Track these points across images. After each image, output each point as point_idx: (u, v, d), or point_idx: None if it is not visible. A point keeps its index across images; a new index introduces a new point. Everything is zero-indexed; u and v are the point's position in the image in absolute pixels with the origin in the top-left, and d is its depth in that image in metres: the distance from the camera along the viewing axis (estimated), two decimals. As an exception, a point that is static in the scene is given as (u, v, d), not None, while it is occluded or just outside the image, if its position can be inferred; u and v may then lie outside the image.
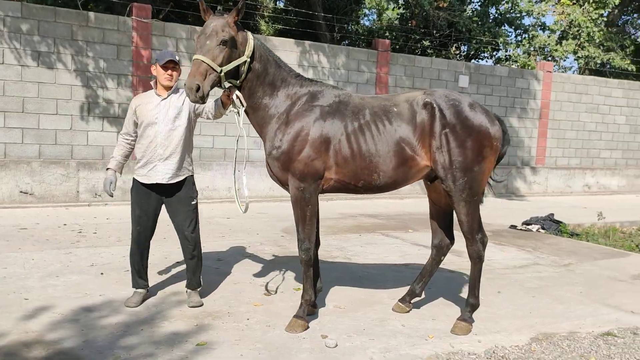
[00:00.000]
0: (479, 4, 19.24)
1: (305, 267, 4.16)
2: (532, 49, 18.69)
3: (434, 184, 4.40)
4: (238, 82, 3.99)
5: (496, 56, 19.62)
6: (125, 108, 9.92)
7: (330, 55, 11.79)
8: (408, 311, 4.60)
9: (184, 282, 4.78)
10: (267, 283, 5.29)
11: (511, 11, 18.71)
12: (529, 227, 9.25)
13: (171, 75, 4.38)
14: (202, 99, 3.79)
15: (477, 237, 4.21)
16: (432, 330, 4.26)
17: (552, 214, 9.93)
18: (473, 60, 19.25)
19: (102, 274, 5.40)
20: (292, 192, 4.08)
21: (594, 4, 18.76)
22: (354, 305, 4.77)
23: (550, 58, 19.27)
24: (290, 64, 11.29)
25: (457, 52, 19.57)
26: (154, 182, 4.44)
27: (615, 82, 16.46)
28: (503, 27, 18.88)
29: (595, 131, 15.95)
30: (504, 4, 18.77)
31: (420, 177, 4.25)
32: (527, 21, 19.33)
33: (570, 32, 18.76)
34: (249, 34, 4.00)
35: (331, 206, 10.53)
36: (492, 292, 5.30)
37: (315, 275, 4.47)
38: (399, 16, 19.71)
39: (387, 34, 17.50)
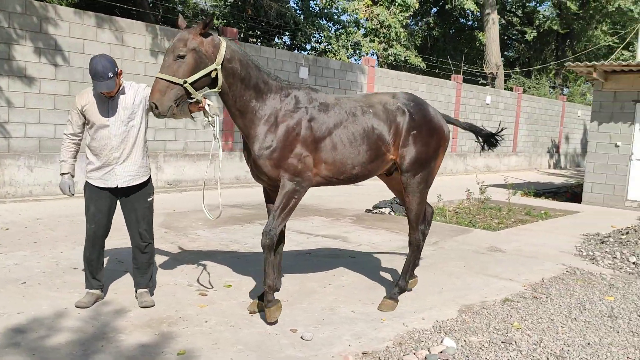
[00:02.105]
0: (302, -3, 20.09)
1: (267, 252, 4.11)
2: (349, 43, 20.17)
3: (391, 176, 4.80)
4: (217, 89, 3.93)
5: (318, 49, 20.73)
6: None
7: (180, 41, 11.35)
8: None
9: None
10: (186, 279, 5.15)
11: (328, 7, 19.93)
12: (381, 210, 10.20)
13: (109, 92, 4.05)
14: (162, 115, 3.75)
15: (420, 227, 4.76)
16: (380, 313, 4.64)
17: (396, 198, 11.06)
18: (295, 51, 20.04)
19: (-2, 289, 4.70)
20: (285, 184, 4.10)
21: (399, 7, 20.94)
22: (295, 297, 4.93)
23: (353, 52, 21.02)
24: (140, 49, 10.71)
25: (284, 43, 20.18)
26: (113, 186, 4.10)
27: (421, 77, 18.65)
28: (323, 21, 20.03)
29: (406, 121, 17.92)
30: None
31: (386, 169, 4.66)
32: (344, 18, 20.71)
33: (381, 32, 20.69)
34: (223, 41, 3.92)
35: (191, 197, 10.29)
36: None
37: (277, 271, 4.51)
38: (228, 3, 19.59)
39: (218, 20, 17.32)
